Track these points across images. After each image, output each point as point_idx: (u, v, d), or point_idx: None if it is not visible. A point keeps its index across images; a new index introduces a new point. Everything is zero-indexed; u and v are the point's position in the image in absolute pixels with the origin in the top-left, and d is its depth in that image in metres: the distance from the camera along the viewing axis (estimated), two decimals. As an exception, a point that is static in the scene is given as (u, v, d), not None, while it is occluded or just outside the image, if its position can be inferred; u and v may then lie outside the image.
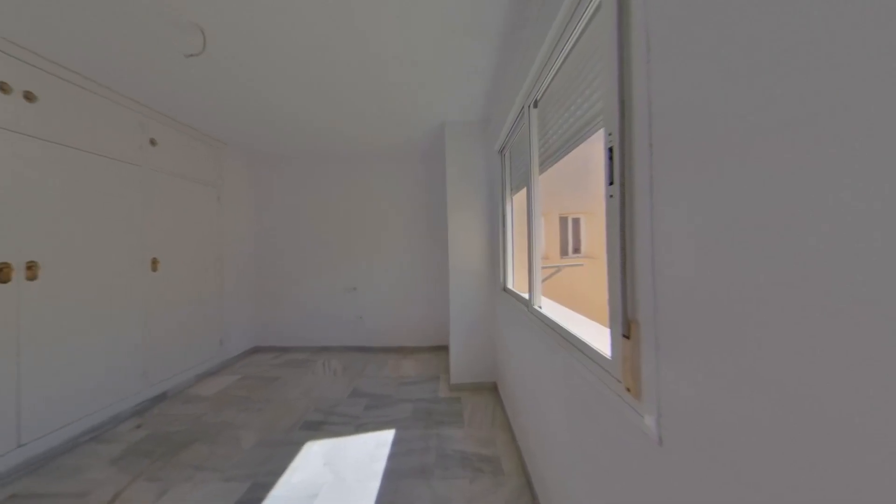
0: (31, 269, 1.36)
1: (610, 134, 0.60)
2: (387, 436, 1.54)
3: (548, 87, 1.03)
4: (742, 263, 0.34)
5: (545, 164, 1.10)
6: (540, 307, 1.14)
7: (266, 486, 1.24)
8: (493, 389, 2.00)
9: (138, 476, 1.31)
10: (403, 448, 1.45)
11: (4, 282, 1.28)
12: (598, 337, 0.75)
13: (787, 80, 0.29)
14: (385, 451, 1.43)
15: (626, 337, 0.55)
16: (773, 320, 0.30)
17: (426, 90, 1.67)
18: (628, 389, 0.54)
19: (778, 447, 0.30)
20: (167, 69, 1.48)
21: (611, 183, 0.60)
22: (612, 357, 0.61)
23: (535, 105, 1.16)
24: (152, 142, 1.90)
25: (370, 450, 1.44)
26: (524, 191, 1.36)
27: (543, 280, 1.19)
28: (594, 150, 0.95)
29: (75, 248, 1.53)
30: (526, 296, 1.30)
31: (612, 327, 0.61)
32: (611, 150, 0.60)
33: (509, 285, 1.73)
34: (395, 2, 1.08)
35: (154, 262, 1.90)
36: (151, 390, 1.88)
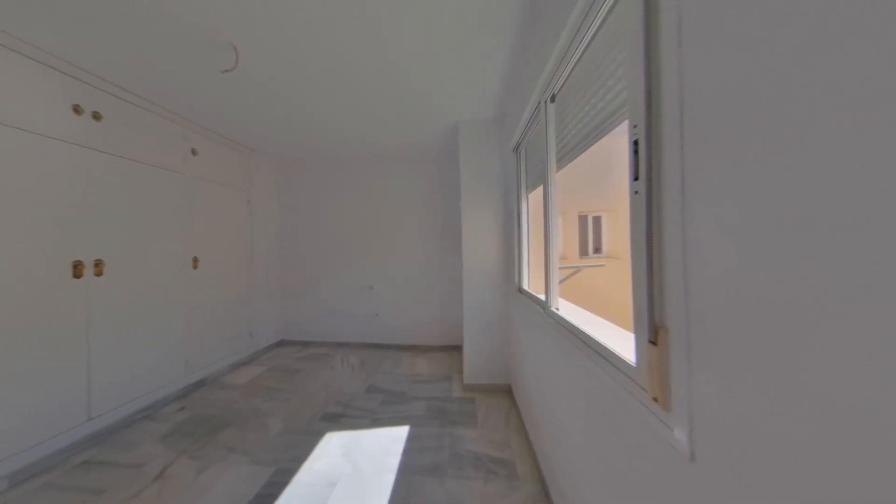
0: (98, 266, 1.53)
1: (635, 126, 0.57)
2: (401, 432, 1.57)
3: (566, 80, 0.99)
4: (794, 265, 0.30)
5: (563, 161, 1.06)
6: (557, 309, 1.10)
7: (290, 472, 1.31)
8: (507, 392, 1.97)
9: (182, 453, 1.44)
10: (417, 445, 1.47)
11: (77, 277, 1.45)
12: (621, 342, 0.71)
13: (852, 56, 0.25)
14: (399, 446, 1.46)
15: (653, 343, 0.52)
16: (833, 329, 0.27)
17: (441, 91, 1.67)
18: (655, 399, 0.51)
19: (829, 470, 0.26)
20: (205, 85, 1.61)
21: (636, 178, 0.56)
22: (636, 364, 0.57)
23: (553, 100, 1.12)
24: (193, 152, 2.08)
25: (385, 444, 1.47)
26: (540, 189, 1.32)
27: (561, 281, 1.15)
28: (617, 144, 0.90)
29: (132, 248, 1.71)
30: (542, 297, 1.26)
31: (636, 332, 0.57)
32: (636, 143, 0.56)
33: (524, 286, 1.69)
34: (418, 8, 1.09)
35: (195, 260, 2.07)
36: (192, 377, 2.05)
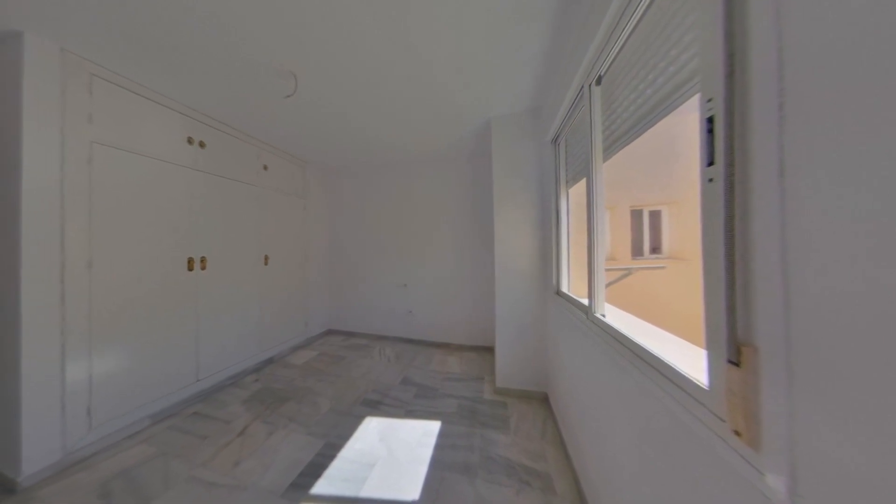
0: (203, 262, 1.92)
1: (709, 100, 0.47)
2: (433, 426, 1.60)
3: (616, 57, 0.88)
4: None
5: (611, 149, 0.95)
6: (603, 315, 0.99)
7: (336, 447, 1.45)
8: (543, 400, 1.85)
9: (257, 417, 1.71)
10: (448, 441, 1.48)
11: (190, 270, 1.83)
12: (687, 359, 0.60)
13: None
14: (431, 440, 1.49)
15: (734, 364, 0.42)
16: None
17: (472, 89, 1.64)
18: (737, 433, 0.41)
19: None
20: (272, 110, 1.89)
21: (710, 163, 0.47)
22: (709, 387, 0.48)
23: (598, 82, 1.00)
24: (265, 167, 2.46)
25: (418, 436, 1.52)
26: (583, 182, 1.20)
27: (608, 284, 1.03)
28: (682, 125, 0.77)
29: (224, 247, 2.08)
30: (585, 301, 1.15)
31: (710, 349, 0.47)
32: (710, 120, 0.47)
33: (564, 288, 1.56)
34: (446, 7, 1.08)
35: (266, 258, 2.44)
36: (264, 355, 2.41)
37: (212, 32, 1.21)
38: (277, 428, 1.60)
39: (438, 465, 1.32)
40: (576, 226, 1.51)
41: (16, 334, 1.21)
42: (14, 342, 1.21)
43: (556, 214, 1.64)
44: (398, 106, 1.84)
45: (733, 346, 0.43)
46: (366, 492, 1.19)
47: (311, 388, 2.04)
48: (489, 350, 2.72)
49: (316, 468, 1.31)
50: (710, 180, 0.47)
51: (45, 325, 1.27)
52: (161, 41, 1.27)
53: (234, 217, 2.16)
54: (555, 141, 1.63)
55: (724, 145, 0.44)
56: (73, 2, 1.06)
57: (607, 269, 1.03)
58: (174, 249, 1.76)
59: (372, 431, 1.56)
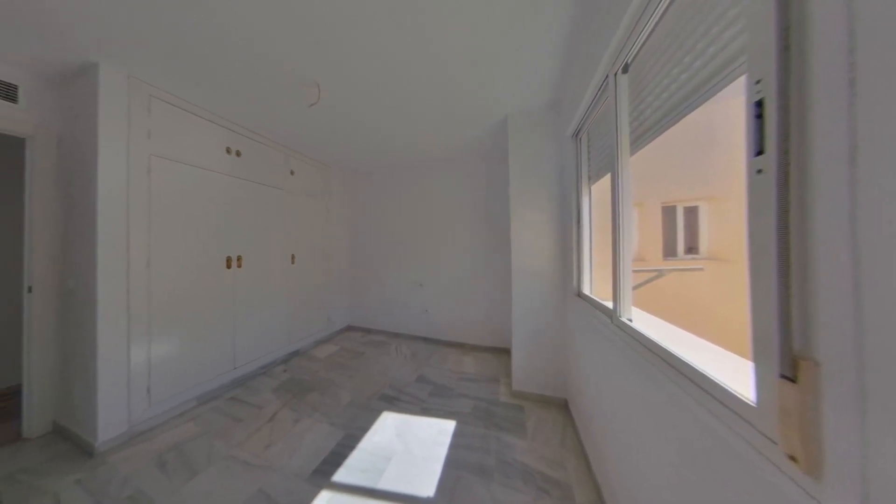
0: (239, 260, 2.10)
1: (758, 81, 0.42)
2: (448, 425, 1.60)
3: (645, 41, 0.82)
4: None
5: (640, 142, 0.88)
6: (630, 320, 0.92)
7: (356, 438, 1.50)
8: (562, 407, 1.78)
9: (285, 405, 1.82)
10: (464, 441, 1.47)
11: (228, 268, 2.01)
12: (729, 370, 0.54)
13: None
14: (446, 439, 1.49)
15: (790, 379, 0.37)
16: None
17: (489, 85, 1.61)
18: (793, 458, 0.36)
19: None
20: (298, 118, 2.00)
21: (759, 152, 0.42)
22: (757, 403, 0.42)
23: (625, 70, 0.94)
24: (291, 172, 2.62)
25: (433, 434, 1.53)
26: (607, 178, 1.13)
27: (636, 287, 0.96)
28: (722, 111, 0.70)
29: (256, 247, 2.25)
30: (609, 304, 1.09)
31: (758, 361, 0.42)
32: (759, 104, 0.41)
33: (585, 290, 1.49)
34: (462, 4, 1.07)
35: (293, 257, 2.60)
36: (291, 347, 2.57)
37: (247, 51, 1.33)
38: (303, 416, 1.70)
39: (453, 464, 1.32)
40: (599, 224, 1.43)
41: (94, 323, 1.41)
42: (92, 329, 1.42)
43: (577, 213, 1.57)
44: (415, 107, 1.86)
45: (788, 360, 0.37)
46: (383, 484, 1.22)
47: (333, 381, 2.13)
48: (505, 352, 2.67)
49: (337, 457, 1.37)
50: (759, 171, 0.42)
51: (114, 315, 1.47)
52: (205, 62, 1.41)
53: (265, 219, 2.33)
54: (576, 135, 1.55)
55: (776, 131, 0.39)
56: (138, 36, 1.24)
57: (635, 271, 0.96)
58: (215, 249, 1.94)
59: (389, 426, 1.59)
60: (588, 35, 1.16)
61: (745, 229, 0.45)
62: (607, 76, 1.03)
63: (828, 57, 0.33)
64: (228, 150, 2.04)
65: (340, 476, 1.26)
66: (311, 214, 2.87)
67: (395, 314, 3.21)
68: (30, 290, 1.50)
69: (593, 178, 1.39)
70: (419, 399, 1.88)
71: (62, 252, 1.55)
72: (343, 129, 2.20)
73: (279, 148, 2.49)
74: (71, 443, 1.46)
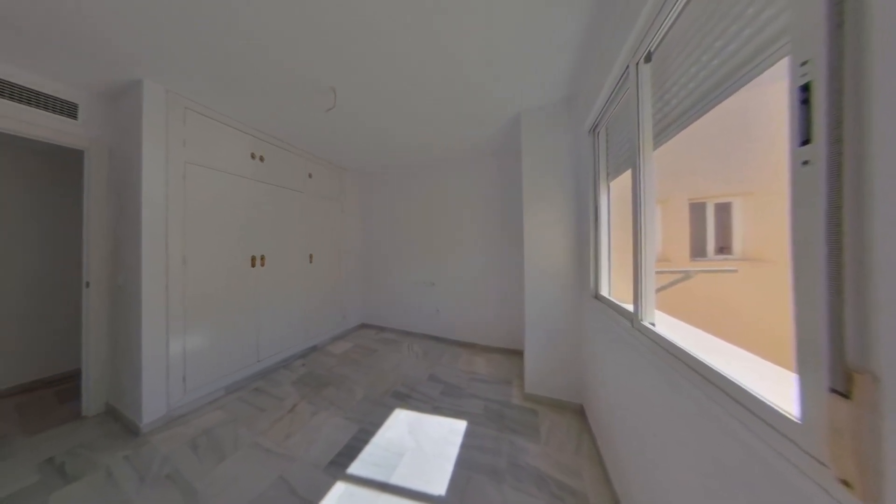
0: (262, 259, 2.20)
1: (804, 63, 0.38)
2: (459, 425, 1.60)
3: (671, 27, 0.77)
4: None
5: (664, 135, 0.83)
6: (652, 324, 0.87)
7: (369, 433, 1.53)
8: (578, 412, 1.72)
9: (303, 398, 1.89)
10: (475, 442, 1.46)
11: (253, 266, 2.13)
12: (767, 381, 0.50)
13: None
14: (458, 438, 1.49)
15: (842, 395, 0.33)
16: None
17: (502, 82, 1.58)
18: (846, 483, 0.33)
19: None
20: (316, 123, 2.07)
21: (805, 141, 0.38)
22: (802, 420, 0.38)
23: (648, 59, 0.89)
24: (310, 175, 2.72)
25: (445, 433, 1.53)
26: (627, 174, 1.08)
27: (659, 289, 0.91)
28: (759, 97, 0.65)
29: (277, 247, 2.35)
30: (629, 307, 1.03)
31: (803, 373, 0.38)
32: (805, 88, 0.37)
33: (603, 292, 1.43)
34: (477, 14, 1.06)
35: (311, 257, 2.71)
36: (309, 343, 2.67)
37: (270, 61, 1.39)
38: (320, 409, 1.76)
39: (464, 464, 1.31)
40: (618, 223, 1.36)
41: (139, 316, 1.56)
42: (137, 322, 1.56)
43: (594, 211, 1.51)
44: (428, 108, 1.86)
45: (840, 372, 0.34)
46: (395, 479, 1.23)
47: (348, 377, 2.19)
48: (517, 353, 2.62)
49: (351, 450, 1.41)
50: (805, 162, 0.38)
51: (156, 309, 1.60)
52: (233, 74, 1.50)
53: (285, 220, 2.43)
54: (593, 130, 1.49)
55: (825, 118, 0.35)
56: (177, 54, 1.35)
57: (658, 272, 0.91)
58: (241, 249, 2.06)
59: (401, 423, 1.61)
60: (606, 25, 1.11)
61: (787, 227, 0.41)
62: (627, 66, 0.98)
63: (891, 33, 0.29)
64: (253, 156, 2.16)
65: (355, 469, 1.29)
66: (327, 216, 2.96)
67: (407, 313, 3.24)
68: (87, 285, 1.67)
69: (612, 174, 1.33)
70: (431, 398, 1.89)
71: (113, 251, 1.72)
72: (357, 132, 2.24)
73: (298, 152, 2.58)
74: (120, 423, 1.62)
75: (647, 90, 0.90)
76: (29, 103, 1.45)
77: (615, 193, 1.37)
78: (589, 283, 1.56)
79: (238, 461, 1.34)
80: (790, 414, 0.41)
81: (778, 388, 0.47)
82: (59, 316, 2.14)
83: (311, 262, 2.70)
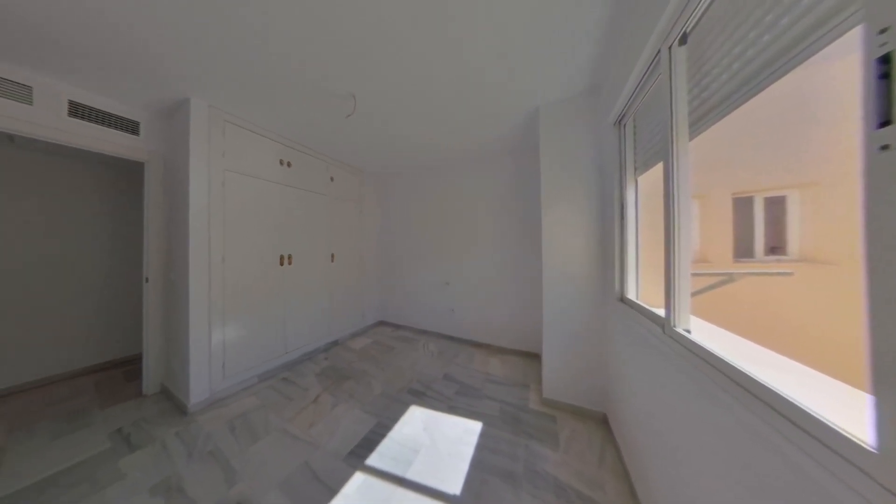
0: (290, 258, 2.35)
1: (884, 31, 0.32)
2: (474, 426, 1.59)
3: (709, 4, 0.70)
4: None
5: (702, 123, 0.76)
6: (687, 331, 0.80)
7: (386, 427, 1.58)
8: (601, 422, 1.63)
9: (325, 389, 1.99)
10: (490, 444, 1.45)
11: (281, 265, 2.28)
12: (829, 398, 0.43)
13: None
14: (473, 439, 1.48)
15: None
16: None
17: (519, 77, 1.53)
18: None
19: None
20: (337, 128, 2.17)
21: (884, 123, 0.32)
22: (879, 448, 0.33)
23: (683, 41, 0.81)
24: (331, 178, 2.87)
25: (459, 433, 1.53)
26: (658, 168, 1.00)
27: (696, 293, 0.83)
28: (819, 75, 0.57)
29: (303, 247, 2.50)
30: (660, 312, 0.96)
31: (881, 394, 0.33)
32: (886, 60, 0.32)
33: (630, 295, 1.34)
34: (491, 7, 1.04)
35: (332, 256, 2.85)
36: (331, 337, 2.82)
37: (296, 72, 1.50)
38: (340, 401, 1.84)
39: (479, 465, 1.30)
40: (647, 221, 1.27)
41: (187, 308, 1.74)
42: (185, 314, 1.75)
43: (620, 208, 1.42)
44: (444, 108, 1.86)
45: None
46: (411, 475, 1.25)
47: (367, 372, 2.27)
48: (534, 356, 2.54)
49: (370, 443, 1.45)
50: (885, 147, 0.32)
51: (200, 302, 1.78)
52: (263, 86, 1.61)
53: (310, 222, 2.58)
54: (619, 122, 1.40)
55: (914, 92, 0.29)
56: (219, 73, 1.50)
57: (695, 274, 0.83)
58: (271, 249, 2.21)
59: (417, 419, 1.64)
60: (634, 7, 1.04)
61: (859, 223, 0.35)
62: (659, 51, 0.91)
63: None
64: (281, 162, 2.31)
65: (373, 461, 1.33)
66: (347, 217, 3.09)
67: (422, 312, 3.27)
68: (147, 280, 1.91)
69: (640, 168, 1.24)
70: (446, 397, 1.89)
71: (167, 251, 1.95)
72: (375, 135, 2.30)
73: (321, 157, 2.72)
74: (172, 402, 1.83)
75: (681, 75, 0.82)
76: (102, 123, 1.71)
77: (644, 189, 1.28)
78: (614, 285, 1.47)
79: (268, 444, 1.45)
80: (861, 441, 0.35)
81: (845, 409, 0.40)
82: (126, 306, 2.48)
83: (332, 261, 2.83)
